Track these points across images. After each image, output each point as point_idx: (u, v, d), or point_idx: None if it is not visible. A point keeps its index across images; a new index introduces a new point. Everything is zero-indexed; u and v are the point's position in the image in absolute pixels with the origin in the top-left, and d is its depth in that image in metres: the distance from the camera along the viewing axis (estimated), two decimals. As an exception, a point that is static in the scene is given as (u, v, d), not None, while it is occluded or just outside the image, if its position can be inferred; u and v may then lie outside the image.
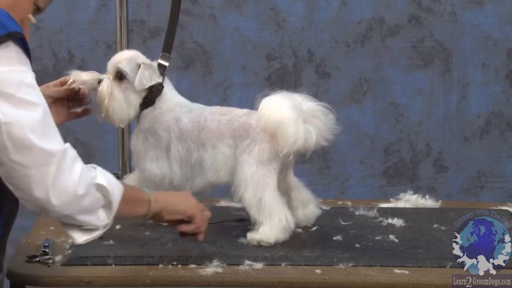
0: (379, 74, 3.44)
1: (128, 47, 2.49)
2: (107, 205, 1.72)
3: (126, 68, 2.12)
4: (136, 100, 2.14)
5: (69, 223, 1.71)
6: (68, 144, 1.65)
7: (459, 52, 3.43)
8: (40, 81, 1.67)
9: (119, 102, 2.11)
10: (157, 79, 2.13)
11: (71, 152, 1.65)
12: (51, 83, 2.13)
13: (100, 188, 1.69)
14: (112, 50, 3.19)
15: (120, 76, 2.12)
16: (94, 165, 1.72)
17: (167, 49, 2.18)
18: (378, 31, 3.41)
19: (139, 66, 2.13)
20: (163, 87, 2.15)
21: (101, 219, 1.72)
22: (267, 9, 3.40)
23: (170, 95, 2.17)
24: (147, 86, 2.12)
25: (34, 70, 1.63)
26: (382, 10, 3.41)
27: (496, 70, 3.44)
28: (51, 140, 1.62)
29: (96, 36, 3.38)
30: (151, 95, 2.14)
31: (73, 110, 2.15)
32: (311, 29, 3.41)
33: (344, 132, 3.39)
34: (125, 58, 2.14)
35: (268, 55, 3.43)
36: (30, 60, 1.64)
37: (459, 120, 3.46)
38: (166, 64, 2.17)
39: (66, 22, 3.36)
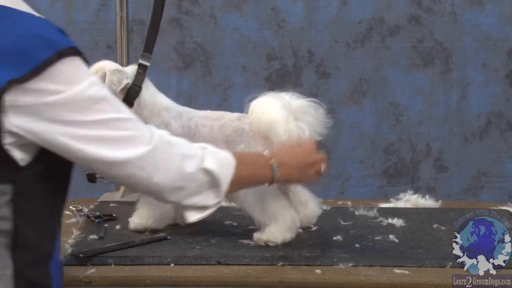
0: (379, 74, 3.44)
1: (128, 47, 2.49)
2: (216, 186, 1.70)
3: None
4: None
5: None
6: (155, 130, 1.63)
7: (459, 52, 3.43)
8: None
9: None
10: (125, 80, 2.10)
11: (165, 136, 1.63)
12: None
13: (207, 172, 1.67)
14: (112, 50, 3.19)
15: None
16: (204, 144, 1.71)
17: (148, 49, 2.16)
18: (378, 31, 3.41)
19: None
20: (140, 88, 2.12)
21: (211, 197, 1.71)
22: (267, 9, 3.40)
23: (151, 99, 2.14)
24: (118, 90, 2.09)
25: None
26: (382, 10, 3.41)
27: (496, 70, 3.44)
28: (136, 138, 1.58)
29: (96, 36, 3.38)
30: (128, 97, 2.11)
31: None
32: (311, 29, 3.41)
33: (344, 132, 3.44)
34: (93, 71, 2.12)
35: (268, 55, 3.43)
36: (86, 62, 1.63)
37: (459, 120, 3.46)
38: (147, 64, 2.14)
39: (66, 22, 3.36)
